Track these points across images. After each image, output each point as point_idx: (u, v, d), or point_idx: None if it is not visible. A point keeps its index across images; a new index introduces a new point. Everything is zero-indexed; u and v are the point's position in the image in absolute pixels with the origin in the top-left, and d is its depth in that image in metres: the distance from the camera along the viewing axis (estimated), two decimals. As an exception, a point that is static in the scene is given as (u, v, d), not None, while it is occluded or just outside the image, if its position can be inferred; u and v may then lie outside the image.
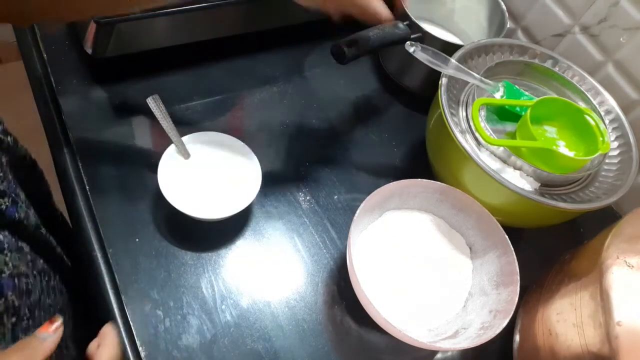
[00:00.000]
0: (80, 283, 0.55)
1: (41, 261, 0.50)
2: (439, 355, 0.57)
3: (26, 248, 0.47)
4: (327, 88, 0.77)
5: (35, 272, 0.48)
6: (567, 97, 0.65)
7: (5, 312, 0.42)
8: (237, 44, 0.76)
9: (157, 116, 0.59)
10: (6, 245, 0.44)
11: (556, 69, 0.67)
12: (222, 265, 0.57)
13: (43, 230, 0.52)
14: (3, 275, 0.42)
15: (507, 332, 0.54)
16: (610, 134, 0.63)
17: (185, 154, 0.58)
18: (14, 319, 0.43)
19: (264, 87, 0.74)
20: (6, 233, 0.44)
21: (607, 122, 0.63)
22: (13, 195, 0.47)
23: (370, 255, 0.57)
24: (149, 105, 0.59)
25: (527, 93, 0.65)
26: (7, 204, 0.45)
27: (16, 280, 0.43)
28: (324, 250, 0.60)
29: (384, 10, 0.62)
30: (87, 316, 0.55)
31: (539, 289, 0.56)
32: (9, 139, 0.47)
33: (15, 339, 0.42)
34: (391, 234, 0.59)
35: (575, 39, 0.73)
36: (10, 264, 0.43)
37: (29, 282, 0.46)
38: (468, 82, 0.63)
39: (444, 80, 0.60)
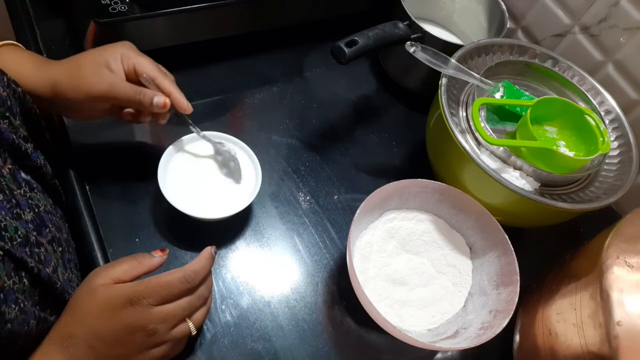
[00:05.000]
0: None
1: (59, 210, 0.51)
2: (439, 355, 0.57)
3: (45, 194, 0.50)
4: (327, 88, 0.77)
5: (58, 217, 0.50)
6: (567, 97, 0.65)
7: (52, 241, 0.45)
8: (237, 44, 0.76)
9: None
10: (35, 186, 0.47)
11: (556, 69, 0.67)
12: (222, 265, 0.57)
13: (57, 182, 0.53)
14: (40, 209, 0.45)
15: (507, 332, 0.54)
16: (610, 134, 0.63)
17: (197, 131, 0.57)
18: (59, 249, 0.46)
19: (264, 87, 0.74)
20: (29, 178, 0.47)
21: (607, 122, 0.63)
22: (32, 143, 0.48)
23: (370, 255, 0.57)
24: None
25: (527, 93, 0.65)
26: (30, 148, 0.47)
27: (50, 215, 0.47)
28: (324, 250, 0.60)
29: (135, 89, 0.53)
30: None
31: (539, 289, 0.56)
32: (19, 89, 0.48)
33: (64, 267, 0.47)
34: (391, 234, 0.59)
35: (575, 39, 0.73)
36: (41, 202, 0.46)
37: (57, 221, 0.49)
38: (468, 82, 0.63)
39: (444, 80, 0.60)
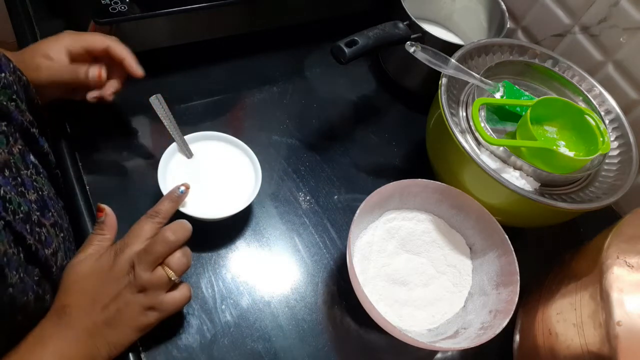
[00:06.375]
0: None
1: (60, 201, 0.52)
2: (439, 355, 0.57)
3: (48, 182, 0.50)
4: (327, 88, 0.77)
5: (59, 206, 0.50)
6: (567, 97, 0.65)
7: (54, 225, 0.46)
8: (237, 44, 0.76)
9: (160, 115, 0.59)
10: (41, 170, 0.48)
11: (556, 69, 0.67)
12: (222, 265, 0.57)
13: (59, 172, 0.53)
14: (44, 193, 0.46)
15: (507, 332, 0.54)
16: (610, 134, 0.63)
17: (188, 154, 0.58)
18: (61, 235, 0.48)
19: (264, 87, 0.74)
20: (37, 162, 0.48)
21: (607, 122, 0.63)
22: (38, 128, 0.49)
23: (370, 255, 0.57)
24: (152, 104, 0.59)
25: (527, 93, 0.65)
26: (37, 133, 0.48)
27: (52, 202, 0.48)
28: (324, 250, 0.60)
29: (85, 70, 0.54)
30: None
31: (539, 289, 0.56)
32: (24, 77, 0.48)
33: (65, 252, 0.48)
34: (391, 234, 0.59)
35: (575, 39, 0.73)
36: (45, 188, 0.47)
37: (59, 210, 0.49)
38: (468, 82, 0.63)
39: (444, 80, 0.60)
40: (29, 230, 0.41)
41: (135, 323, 0.45)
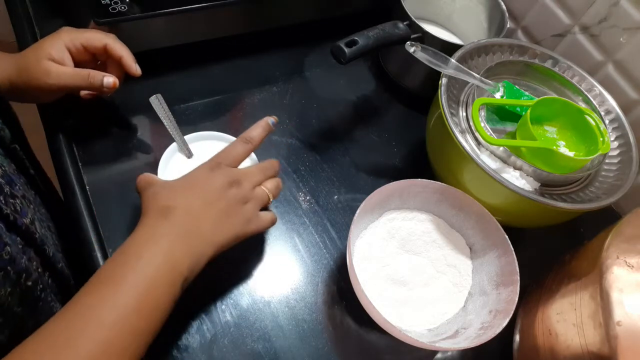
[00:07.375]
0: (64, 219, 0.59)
1: (22, 176, 0.52)
2: (439, 355, 0.57)
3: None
4: (327, 88, 0.77)
5: (22, 182, 0.50)
6: (567, 97, 0.65)
7: (24, 197, 0.46)
8: (237, 44, 0.76)
9: (160, 115, 0.59)
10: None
11: (556, 69, 0.67)
12: (222, 265, 0.57)
13: (17, 146, 0.53)
14: (5, 169, 0.46)
15: (507, 332, 0.54)
16: (610, 134, 0.63)
17: (188, 153, 0.58)
18: (31, 206, 0.48)
19: (264, 87, 0.74)
20: None
21: (607, 122, 0.63)
22: None
23: (370, 255, 0.57)
24: (152, 104, 0.59)
25: (527, 93, 0.65)
26: None
27: (15, 177, 0.48)
28: (324, 250, 0.60)
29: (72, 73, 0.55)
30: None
31: (539, 289, 0.56)
32: None
33: (40, 222, 0.49)
34: (391, 234, 0.59)
35: (575, 39, 0.73)
36: (5, 164, 0.46)
37: (23, 185, 0.49)
38: (468, 82, 0.63)
39: (444, 80, 0.60)
40: (3, 201, 0.41)
41: (236, 230, 0.48)
